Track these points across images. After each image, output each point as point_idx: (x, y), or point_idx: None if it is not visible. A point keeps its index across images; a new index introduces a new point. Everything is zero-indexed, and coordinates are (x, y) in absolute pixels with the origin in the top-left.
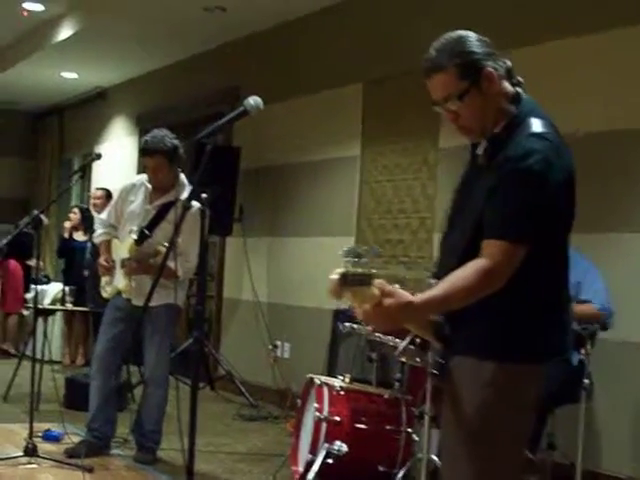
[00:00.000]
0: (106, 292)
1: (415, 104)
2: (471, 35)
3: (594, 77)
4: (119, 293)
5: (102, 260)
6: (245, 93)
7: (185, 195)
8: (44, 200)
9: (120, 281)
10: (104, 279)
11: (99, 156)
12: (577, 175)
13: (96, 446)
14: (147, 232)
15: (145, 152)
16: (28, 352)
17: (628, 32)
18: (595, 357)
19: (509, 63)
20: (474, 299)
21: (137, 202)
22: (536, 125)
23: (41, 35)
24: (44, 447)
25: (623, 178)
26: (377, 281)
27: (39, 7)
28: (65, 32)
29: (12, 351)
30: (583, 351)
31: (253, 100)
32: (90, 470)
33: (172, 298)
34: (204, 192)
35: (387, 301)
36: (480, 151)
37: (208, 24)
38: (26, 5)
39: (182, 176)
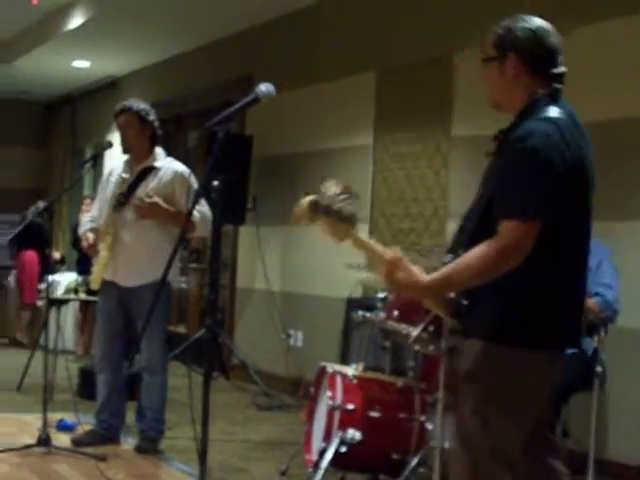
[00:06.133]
0: (93, 283)
1: (428, 92)
2: (530, 23)
3: (613, 63)
4: (105, 281)
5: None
6: (258, 81)
7: (161, 163)
8: (57, 190)
9: (101, 254)
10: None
11: (110, 144)
12: (594, 164)
13: (103, 437)
14: (123, 198)
15: (116, 112)
16: (41, 342)
17: None
18: (609, 345)
19: (564, 69)
20: (485, 278)
21: (115, 177)
22: (550, 111)
23: (52, 24)
24: (58, 437)
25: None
26: (394, 249)
27: None
28: (76, 21)
29: (25, 342)
30: (596, 338)
31: (265, 87)
32: (103, 459)
33: (158, 275)
34: (215, 180)
35: (399, 275)
36: (493, 137)
37: (220, 12)
38: None
39: (159, 147)
